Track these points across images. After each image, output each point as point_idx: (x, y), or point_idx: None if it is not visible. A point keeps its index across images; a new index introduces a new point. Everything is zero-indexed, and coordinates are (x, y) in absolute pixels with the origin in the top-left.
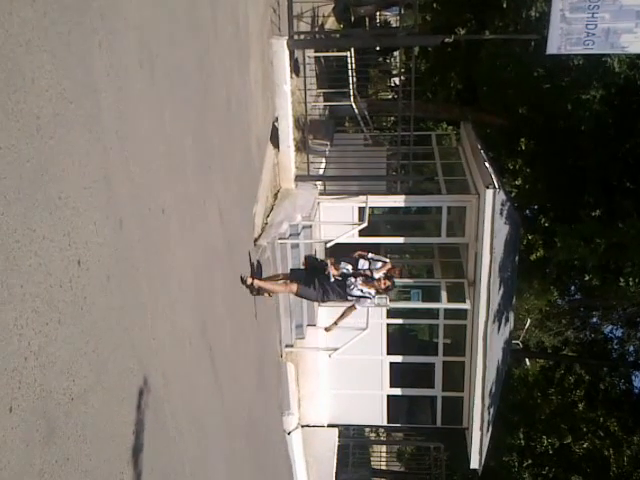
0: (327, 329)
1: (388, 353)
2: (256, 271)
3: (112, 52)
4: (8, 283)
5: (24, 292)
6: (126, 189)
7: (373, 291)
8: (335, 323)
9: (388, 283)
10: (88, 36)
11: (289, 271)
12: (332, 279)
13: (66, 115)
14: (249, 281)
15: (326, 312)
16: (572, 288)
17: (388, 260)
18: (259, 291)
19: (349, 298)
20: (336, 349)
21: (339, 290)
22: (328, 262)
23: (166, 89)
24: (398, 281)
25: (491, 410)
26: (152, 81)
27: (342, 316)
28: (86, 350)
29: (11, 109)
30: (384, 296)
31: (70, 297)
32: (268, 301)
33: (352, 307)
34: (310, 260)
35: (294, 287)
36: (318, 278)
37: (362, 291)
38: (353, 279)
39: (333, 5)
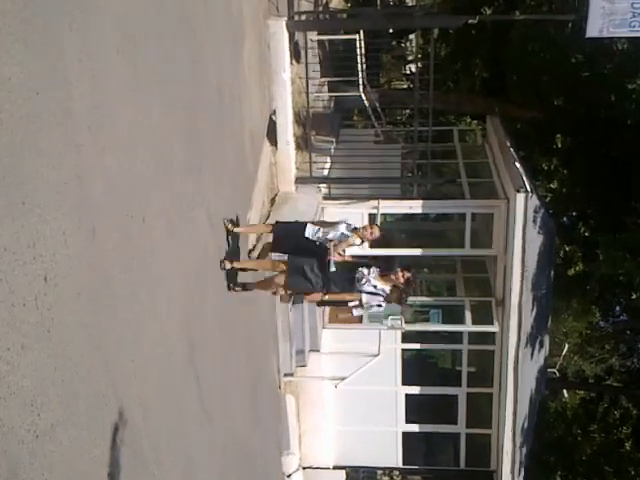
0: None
1: (403, 383)
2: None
3: (85, 35)
4: None
5: None
6: (101, 193)
7: (388, 288)
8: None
9: (407, 276)
10: (57, 17)
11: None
12: (332, 268)
13: (33, 107)
14: (227, 265)
15: (331, 335)
16: (617, 308)
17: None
18: (245, 286)
19: (356, 291)
20: (343, 378)
21: (345, 281)
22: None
23: (148, 78)
24: (415, 299)
25: (523, 450)
26: (132, 69)
27: (336, 304)
28: (54, 379)
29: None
30: (398, 311)
31: (35, 318)
32: (282, 298)
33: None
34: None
35: (281, 279)
36: (316, 264)
37: (376, 287)
38: (365, 270)
39: None
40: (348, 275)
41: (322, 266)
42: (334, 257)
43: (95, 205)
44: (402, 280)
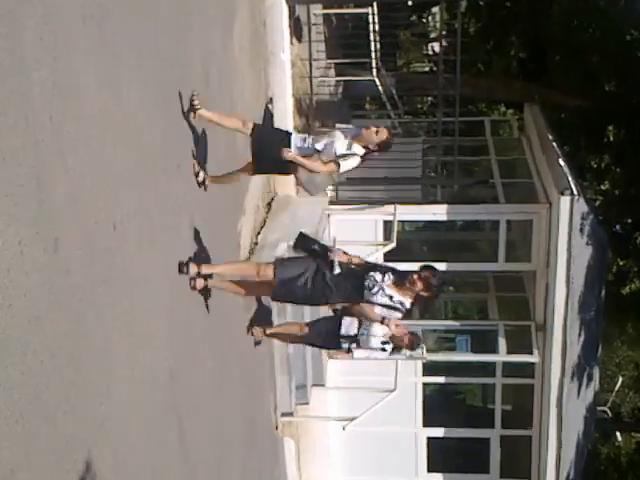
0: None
1: (425, 424)
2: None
3: (45, 4)
4: None
5: None
6: (64, 196)
7: (409, 301)
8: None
9: (424, 275)
10: None
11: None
12: (337, 270)
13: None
14: (192, 270)
15: (338, 367)
16: None
17: None
18: (206, 289)
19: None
20: (352, 419)
21: (351, 288)
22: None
23: (120, 57)
24: (438, 324)
25: None
26: (101, 46)
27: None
28: (8, 421)
29: None
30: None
31: None
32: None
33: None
34: (304, 241)
35: (268, 271)
36: (316, 266)
37: (392, 298)
38: (378, 276)
39: None
40: (355, 282)
41: (321, 271)
42: (338, 256)
43: (57, 210)
44: (420, 285)
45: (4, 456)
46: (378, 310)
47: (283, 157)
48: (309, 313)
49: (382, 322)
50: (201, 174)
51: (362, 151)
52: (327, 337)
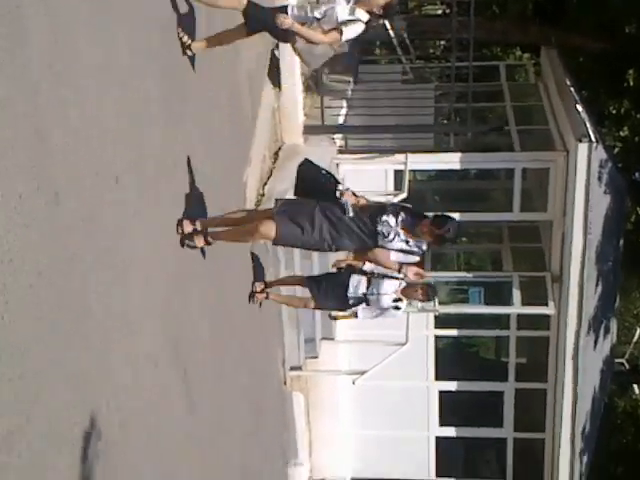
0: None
1: (437, 378)
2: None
3: None
4: None
5: None
6: (64, 147)
7: (424, 243)
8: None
9: (437, 233)
10: None
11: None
12: (350, 213)
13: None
14: (187, 228)
15: (348, 320)
16: None
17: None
18: (206, 238)
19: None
20: (363, 372)
21: (362, 235)
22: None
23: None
24: (451, 275)
25: (584, 458)
26: None
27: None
28: (11, 376)
29: None
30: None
31: None
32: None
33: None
34: (308, 171)
35: (267, 226)
36: (321, 208)
37: (408, 242)
38: (392, 220)
39: None
40: (367, 227)
41: (329, 213)
42: (349, 197)
43: (57, 163)
44: (428, 237)
45: (3, 421)
46: (394, 257)
47: (279, 24)
48: (317, 264)
49: (399, 270)
50: (185, 37)
51: (366, 16)
52: (333, 298)
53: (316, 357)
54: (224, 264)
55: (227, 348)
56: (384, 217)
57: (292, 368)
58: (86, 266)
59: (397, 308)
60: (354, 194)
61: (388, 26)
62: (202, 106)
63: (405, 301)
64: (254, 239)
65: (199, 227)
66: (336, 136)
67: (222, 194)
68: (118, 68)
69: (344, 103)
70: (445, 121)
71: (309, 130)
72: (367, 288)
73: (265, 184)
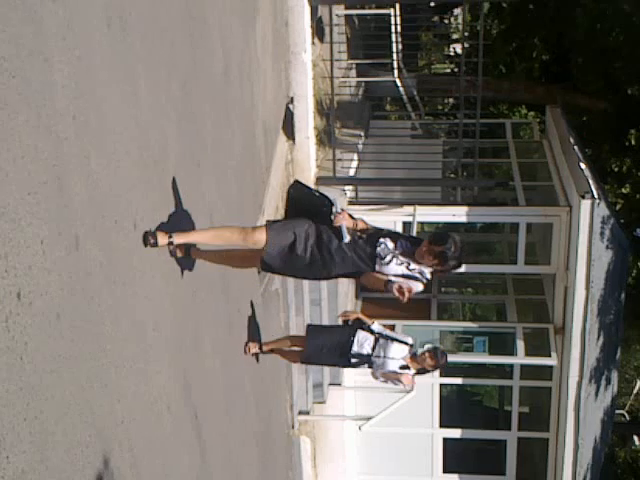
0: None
1: (441, 425)
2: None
3: (69, 6)
4: None
5: None
6: (85, 195)
7: (428, 270)
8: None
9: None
10: None
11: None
12: (346, 239)
13: (6, 93)
14: (162, 241)
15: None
16: None
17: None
18: (186, 251)
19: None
20: (369, 418)
21: (358, 260)
22: (338, 205)
23: (142, 56)
24: (456, 325)
25: None
26: (122, 44)
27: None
28: (26, 415)
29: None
30: None
31: (6, 342)
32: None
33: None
34: (299, 192)
35: (256, 236)
36: (318, 231)
37: (408, 266)
38: (390, 244)
39: None
40: (365, 251)
41: (323, 235)
42: (345, 221)
43: (78, 210)
44: (427, 260)
45: (16, 459)
46: (394, 282)
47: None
48: (326, 311)
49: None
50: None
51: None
52: (333, 353)
53: (323, 402)
54: (234, 307)
55: (237, 391)
56: (381, 240)
57: (300, 412)
58: (103, 309)
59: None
60: (350, 216)
61: (399, 83)
62: (219, 155)
63: (412, 369)
64: (245, 241)
65: (176, 240)
66: (347, 187)
67: None
68: (138, 119)
69: (355, 156)
70: (452, 175)
71: (321, 181)
72: (373, 349)
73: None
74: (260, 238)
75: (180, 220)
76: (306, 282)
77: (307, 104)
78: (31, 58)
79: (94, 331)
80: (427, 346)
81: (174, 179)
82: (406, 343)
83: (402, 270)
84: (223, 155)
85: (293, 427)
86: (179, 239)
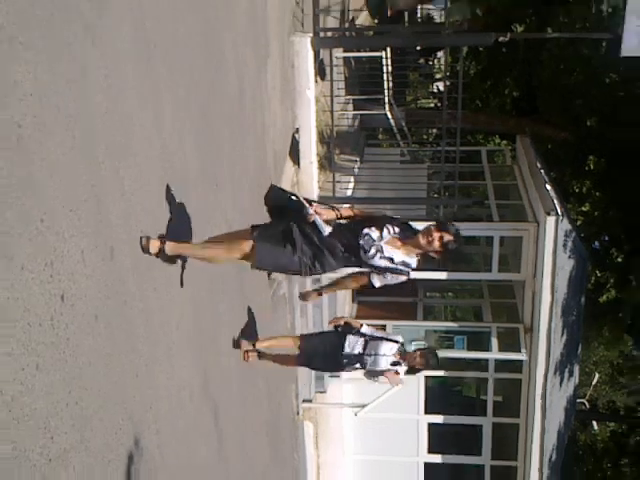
0: (304, 296)
1: (426, 412)
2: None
3: (103, 43)
4: None
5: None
6: (119, 211)
7: (414, 259)
8: (319, 292)
9: (447, 239)
10: (73, 22)
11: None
12: (326, 232)
13: (51, 123)
14: (153, 247)
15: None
16: None
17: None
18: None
19: (365, 267)
20: (363, 406)
21: (345, 253)
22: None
23: (167, 85)
24: (439, 325)
25: None
26: (149, 78)
27: (336, 285)
28: (68, 401)
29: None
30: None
31: (51, 338)
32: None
33: (361, 276)
34: (276, 197)
35: (244, 246)
36: (299, 228)
37: (393, 260)
38: (375, 234)
39: None
40: (353, 240)
41: (306, 233)
42: (316, 213)
43: (113, 224)
44: (438, 244)
45: (60, 439)
46: (378, 280)
47: None
48: (327, 312)
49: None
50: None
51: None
52: (325, 356)
53: (324, 392)
54: (246, 310)
55: (249, 384)
56: (366, 230)
57: (304, 401)
58: (134, 311)
59: (396, 373)
60: (331, 207)
61: (390, 116)
62: (234, 175)
63: (404, 365)
64: (230, 253)
65: (169, 252)
66: (345, 205)
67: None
68: (165, 142)
69: (352, 179)
70: (436, 195)
71: (322, 200)
72: (364, 349)
73: None
74: (246, 247)
75: (198, 232)
76: (309, 286)
77: (310, 134)
78: (72, 90)
79: (127, 330)
80: (419, 344)
81: (194, 198)
82: (396, 341)
83: (386, 264)
84: (238, 177)
85: (298, 413)
86: (172, 250)
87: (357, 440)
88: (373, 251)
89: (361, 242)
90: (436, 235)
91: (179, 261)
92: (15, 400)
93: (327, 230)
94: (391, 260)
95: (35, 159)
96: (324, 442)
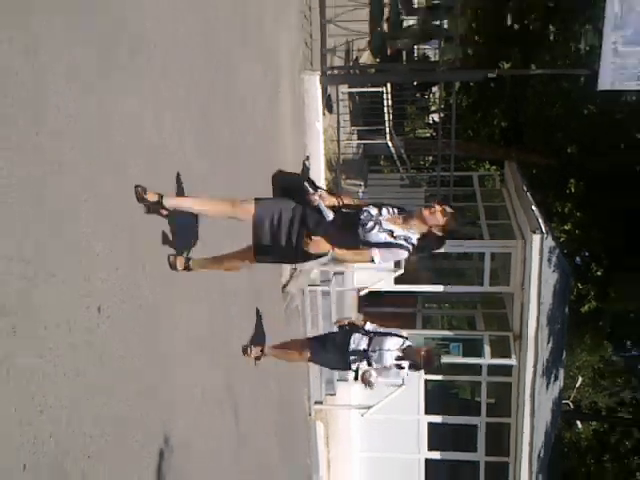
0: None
1: (426, 413)
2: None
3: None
4: (26, 330)
5: (47, 338)
6: (147, 233)
7: (415, 235)
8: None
9: (450, 212)
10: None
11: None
12: (330, 215)
13: (92, 154)
14: (151, 198)
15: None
16: (628, 343)
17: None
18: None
19: (363, 245)
20: (369, 407)
21: (346, 233)
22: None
23: (193, 138)
24: (437, 333)
25: (540, 477)
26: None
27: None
28: (107, 401)
29: (33, 144)
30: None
31: (90, 345)
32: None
33: (363, 251)
34: (282, 180)
35: (245, 206)
36: (302, 213)
37: (392, 234)
38: (374, 210)
39: (368, 38)
40: (353, 217)
41: (307, 215)
42: (319, 198)
43: (144, 246)
44: (442, 220)
45: (97, 439)
46: (379, 255)
47: None
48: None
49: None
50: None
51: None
52: (333, 353)
53: (334, 394)
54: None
55: (265, 388)
56: (364, 207)
57: (315, 402)
58: (162, 320)
59: (400, 367)
60: (332, 194)
61: (390, 145)
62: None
63: (407, 361)
64: (234, 209)
65: (165, 204)
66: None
67: (264, 267)
68: (189, 185)
69: None
70: None
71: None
72: (368, 345)
73: (295, 267)
74: (248, 208)
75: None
76: (319, 301)
77: (319, 161)
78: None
79: (156, 338)
80: (426, 343)
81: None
82: (401, 336)
83: (385, 238)
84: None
85: (310, 414)
86: (170, 202)
87: (363, 439)
88: (371, 224)
89: (361, 218)
90: (438, 208)
91: (200, 276)
92: (59, 401)
93: (330, 216)
94: (391, 233)
95: (82, 197)
96: (334, 441)
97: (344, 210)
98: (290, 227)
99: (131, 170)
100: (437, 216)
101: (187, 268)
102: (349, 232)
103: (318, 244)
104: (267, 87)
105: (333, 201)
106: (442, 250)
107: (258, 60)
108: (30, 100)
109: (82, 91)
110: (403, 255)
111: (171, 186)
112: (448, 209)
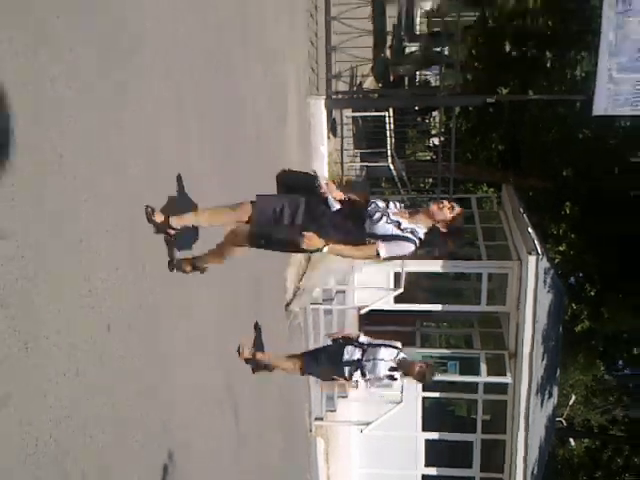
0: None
1: (423, 429)
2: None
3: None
4: (26, 330)
5: (48, 338)
6: (147, 234)
7: (422, 229)
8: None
9: (457, 211)
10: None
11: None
12: (336, 205)
13: (92, 154)
14: (158, 218)
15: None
16: (620, 362)
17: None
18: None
19: (369, 238)
20: (368, 423)
21: (350, 226)
22: (321, 181)
23: (210, 162)
24: (435, 351)
25: None
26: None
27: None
28: (106, 401)
29: (33, 145)
30: None
31: (88, 346)
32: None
33: (368, 245)
34: (288, 176)
35: (246, 205)
36: (306, 202)
37: (399, 225)
38: (381, 203)
39: (372, 64)
40: (356, 218)
41: (314, 208)
42: (330, 191)
43: (144, 246)
44: (449, 215)
45: (98, 438)
46: (385, 248)
47: None
48: None
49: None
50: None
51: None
52: (327, 365)
53: (334, 410)
54: (265, 328)
55: (267, 402)
56: (371, 199)
57: (316, 418)
58: (163, 323)
59: (393, 378)
60: (342, 190)
61: (392, 167)
62: None
63: (400, 372)
64: (236, 212)
65: (172, 224)
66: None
67: (268, 285)
68: (193, 183)
69: None
70: None
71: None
72: (362, 355)
73: (300, 280)
74: (249, 206)
75: None
76: (322, 319)
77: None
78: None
79: (156, 340)
80: (422, 357)
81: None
82: (394, 347)
83: (392, 229)
84: None
85: (310, 430)
86: (176, 221)
87: (362, 455)
88: (378, 215)
89: (368, 209)
90: (447, 204)
91: (206, 280)
92: (57, 401)
93: (336, 207)
94: (398, 225)
95: (82, 198)
96: (334, 456)
97: (350, 204)
98: (295, 212)
99: (131, 170)
100: (445, 211)
101: (195, 268)
102: (355, 224)
103: (311, 239)
104: (275, 113)
105: (341, 195)
106: (440, 270)
107: (266, 87)
108: (30, 100)
109: (82, 91)
110: (410, 249)
111: (171, 186)
112: (456, 207)
